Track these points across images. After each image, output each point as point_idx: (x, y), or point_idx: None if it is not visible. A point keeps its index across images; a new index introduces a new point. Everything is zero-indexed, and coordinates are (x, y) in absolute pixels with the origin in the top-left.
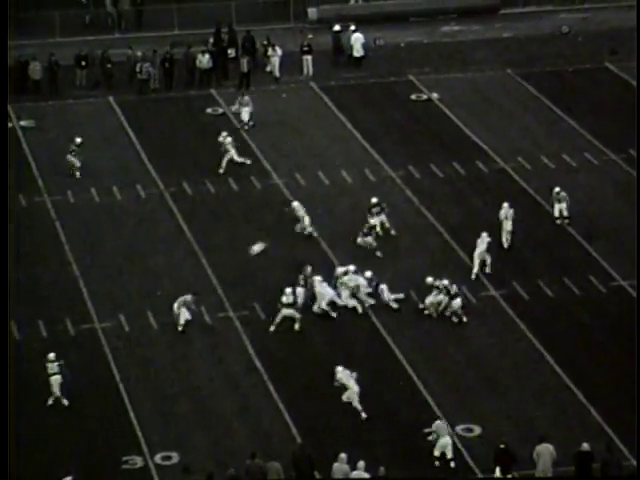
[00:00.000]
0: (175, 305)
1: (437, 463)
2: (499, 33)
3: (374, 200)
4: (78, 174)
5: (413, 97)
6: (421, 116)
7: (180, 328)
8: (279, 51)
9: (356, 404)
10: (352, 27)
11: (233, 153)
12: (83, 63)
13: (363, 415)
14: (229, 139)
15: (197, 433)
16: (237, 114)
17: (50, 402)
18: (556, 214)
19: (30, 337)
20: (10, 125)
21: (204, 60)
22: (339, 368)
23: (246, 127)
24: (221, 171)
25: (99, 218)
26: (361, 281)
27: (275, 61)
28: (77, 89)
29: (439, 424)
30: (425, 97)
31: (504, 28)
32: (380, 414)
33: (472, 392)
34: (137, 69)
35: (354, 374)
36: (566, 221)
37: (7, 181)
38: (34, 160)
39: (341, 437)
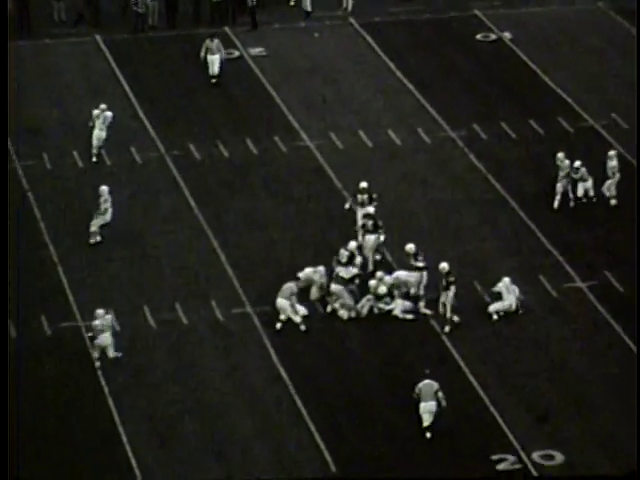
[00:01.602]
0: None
1: (428, 435)
2: None
3: (363, 185)
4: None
5: (479, 37)
6: (489, 61)
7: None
8: None
9: (427, 422)
10: None
11: None
12: None
13: (427, 435)
14: None
15: (206, 461)
16: (205, 63)
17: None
18: (580, 193)
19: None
20: None
21: None
22: (423, 383)
23: (213, 81)
24: None
25: (83, 189)
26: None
27: None
28: (55, 25)
29: (425, 384)
30: (494, 37)
31: None
32: (437, 436)
33: (552, 411)
34: (132, 0)
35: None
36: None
37: (7, 179)
38: None
39: (385, 465)
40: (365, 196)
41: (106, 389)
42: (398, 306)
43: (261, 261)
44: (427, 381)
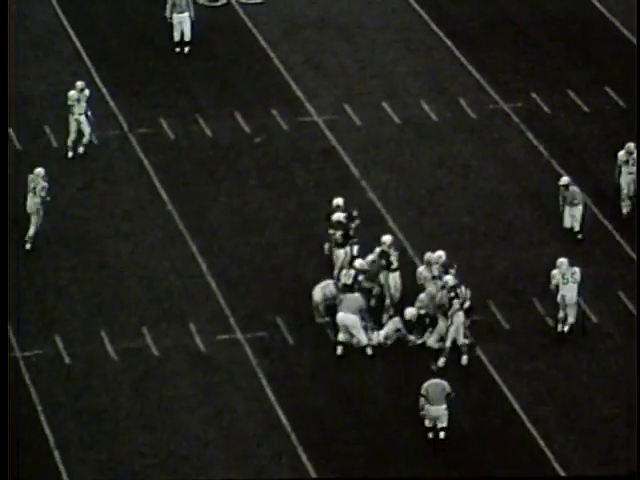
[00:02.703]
0: None
1: (430, 435)
2: None
3: (338, 201)
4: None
5: None
6: (554, 11)
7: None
8: None
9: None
10: None
11: None
12: None
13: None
14: None
15: None
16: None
17: None
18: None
19: None
20: None
21: None
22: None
23: (177, 50)
24: None
25: (20, 175)
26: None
27: None
28: None
29: (433, 384)
30: None
31: None
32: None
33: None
34: None
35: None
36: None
37: (7, 182)
38: None
39: None
40: (342, 215)
41: (52, 440)
42: (432, 335)
43: (252, 273)
44: (435, 380)
